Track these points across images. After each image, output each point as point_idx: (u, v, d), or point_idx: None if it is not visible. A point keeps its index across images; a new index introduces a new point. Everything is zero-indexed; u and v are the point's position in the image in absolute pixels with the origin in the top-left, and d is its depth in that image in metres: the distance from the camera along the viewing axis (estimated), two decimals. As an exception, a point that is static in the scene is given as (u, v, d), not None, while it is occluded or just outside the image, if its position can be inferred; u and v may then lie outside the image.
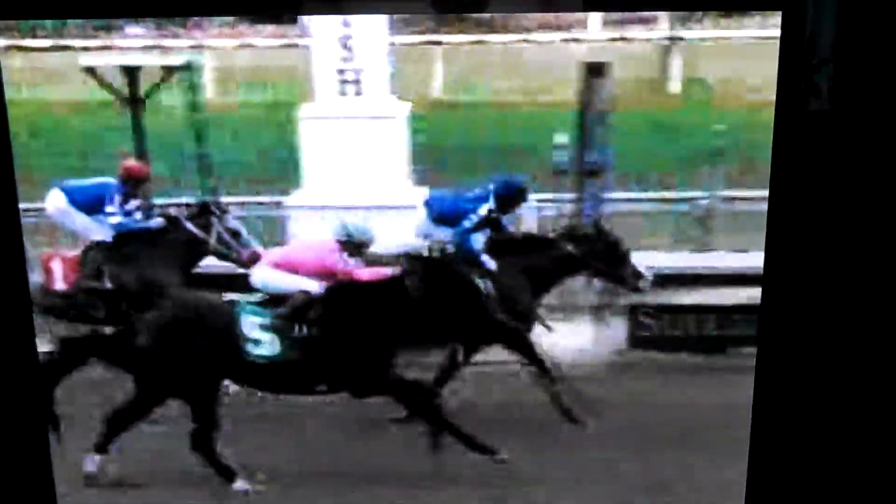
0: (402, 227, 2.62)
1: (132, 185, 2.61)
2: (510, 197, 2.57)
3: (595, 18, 2.39)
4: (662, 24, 2.43)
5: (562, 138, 2.52)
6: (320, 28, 2.50)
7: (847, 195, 2.17)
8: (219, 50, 2.53)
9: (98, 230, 2.65)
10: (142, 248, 2.67)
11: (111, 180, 2.61)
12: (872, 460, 2.33)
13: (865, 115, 2.11)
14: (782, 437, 2.31)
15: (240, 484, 2.50)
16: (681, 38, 2.45)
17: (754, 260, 2.42)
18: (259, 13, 2.40)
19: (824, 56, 2.08)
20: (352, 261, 2.54)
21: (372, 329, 2.55)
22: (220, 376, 2.55)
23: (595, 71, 2.44)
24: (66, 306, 2.63)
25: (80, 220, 2.64)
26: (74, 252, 2.65)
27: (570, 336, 2.69)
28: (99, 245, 2.65)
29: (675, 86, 2.50)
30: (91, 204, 2.63)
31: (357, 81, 2.53)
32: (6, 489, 2.39)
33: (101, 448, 2.52)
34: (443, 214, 2.61)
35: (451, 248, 2.60)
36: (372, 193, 2.60)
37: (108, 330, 2.57)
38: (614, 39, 2.42)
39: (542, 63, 2.47)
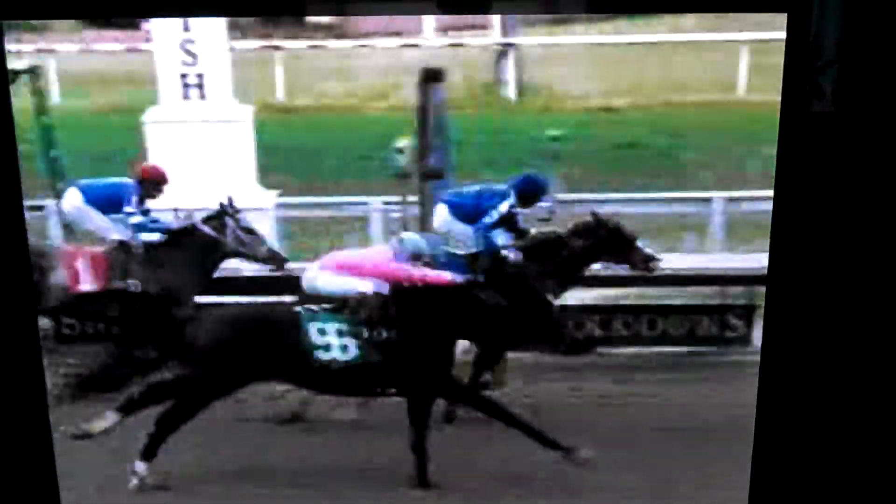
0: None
1: (149, 186, 2.60)
2: (531, 193, 2.58)
3: (430, 24, 2.44)
4: (495, 31, 2.48)
5: (402, 142, 2.55)
6: (163, 33, 2.51)
7: (851, 196, 2.18)
8: (64, 54, 2.53)
9: (115, 230, 2.64)
10: (165, 250, 2.67)
11: (128, 180, 2.60)
12: (876, 463, 2.36)
13: (869, 117, 2.13)
14: (786, 439, 2.33)
15: None
16: (513, 45, 2.51)
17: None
18: (258, 14, 2.39)
19: (829, 58, 2.11)
20: (411, 266, 2.54)
21: (440, 333, 2.56)
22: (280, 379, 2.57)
23: (431, 76, 2.48)
24: (91, 306, 2.64)
25: (96, 219, 2.63)
26: (97, 250, 2.65)
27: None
28: (123, 245, 2.65)
29: (510, 90, 2.55)
30: (107, 203, 2.62)
31: (200, 86, 2.55)
32: (9, 491, 2.41)
33: (148, 455, 2.51)
34: (463, 211, 2.62)
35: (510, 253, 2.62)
36: (220, 195, 2.63)
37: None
38: (451, 45, 2.46)
39: (382, 68, 2.51)
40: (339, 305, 2.54)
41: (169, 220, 2.66)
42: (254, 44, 2.48)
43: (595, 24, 2.42)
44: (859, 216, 2.21)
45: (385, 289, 2.53)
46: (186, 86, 2.55)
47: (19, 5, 2.12)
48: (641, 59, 2.45)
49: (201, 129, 2.58)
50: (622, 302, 2.68)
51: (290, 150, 2.56)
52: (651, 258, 2.58)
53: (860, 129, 2.14)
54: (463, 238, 2.64)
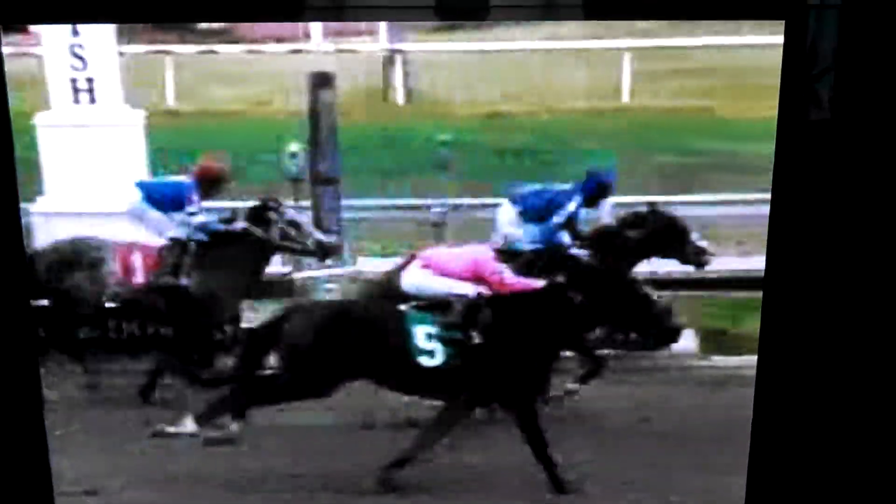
0: (141, 235, 2.67)
1: (207, 184, 2.60)
2: (598, 192, 2.59)
3: (318, 29, 2.46)
4: (382, 37, 2.50)
5: (294, 147, 2.57)
6: (51, 37, 2.51)
7: (848, 204, 2.22)
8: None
9: (173, 228, 2.65)
10: (217, 250, 2.67)
11: (187, 179, 2.60)
12: (875, 468, 2.41)
13: (866, 125, 2.17)
14: (783, 445, 2.39)
15: None
16: (401, 50, 2.54)
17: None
18: (256, 20, 2.42)
19: (825, 66, 2.14)
20: (506, 268, 2.56)
21: (536, 338, 2.59)
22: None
23: (321, 81, 2.50)
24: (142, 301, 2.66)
25: (155, 218, 2.63)
26: (152, 245, 2.67)
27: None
28: (178, 243, 2.66)
29: (398, 96, 2.58)
30: (167, 202, 2.62)
31: (90, 90, 2.55)
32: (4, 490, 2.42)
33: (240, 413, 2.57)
34: (532, 210, 2.62)
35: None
36: (112, 200, 2.63)
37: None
38: (339, 51, 2.48)
39: (272, 73, 2.53)
40: (438, 306, 2.57)
41: (222, 219, 2.68)
42: (143, 48, 2.48)
43: (483, 31, 2.46)
44: (856, 224, 2.25)
45: (483, 290, 2.55)
46: (77, 90, 2.54)
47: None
48: (529, 66, 2.48)
49: (92, 134, 2.57)
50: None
51: (182, 155, 2.56)
52: (703, 251, 2.58)
53: (857, 137, 2.19)
54: (530, 238, 2.65)
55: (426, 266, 2.61)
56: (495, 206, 2.65)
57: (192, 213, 2.64)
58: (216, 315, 2.68)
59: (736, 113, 2.44)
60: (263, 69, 2.51)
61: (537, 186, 2.59)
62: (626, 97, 2.52)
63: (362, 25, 2.48)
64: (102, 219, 2.63)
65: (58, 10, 2.30)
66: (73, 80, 2.53)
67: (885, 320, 2.32)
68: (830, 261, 2.27)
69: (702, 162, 2.57)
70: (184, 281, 2.66)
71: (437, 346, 2.55)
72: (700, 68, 2.51)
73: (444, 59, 2.52)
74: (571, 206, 2.61)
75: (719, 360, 2.67)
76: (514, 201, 2.62)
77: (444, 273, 2.59)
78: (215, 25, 2.50)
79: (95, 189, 2.61)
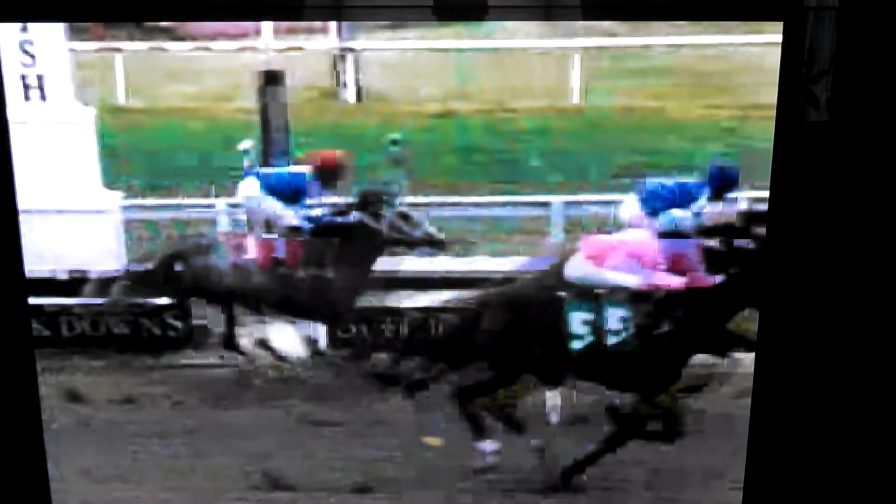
0: (94, 231, 2.65)
1: (326, 175, 2.58)
2: (725, 184, 2.53)
3: (268, 27, 2.46)
4: (332, 35, 2.51)
5: (246, 144, 2.57)
6: (1, 34, 2.50)
7: (845, 206, 2.22)
8: None
9: (292, 219, 2.63)
10: (333, 242, 2.66)
11: (306, 170, 2.59)
12: (873, 469, 2.42)
13: (864, 126, 2.17)
14: (781, 444, 2.41)
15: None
16: (352, 49, 2.54)
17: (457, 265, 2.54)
18: (256, 19, 2.42)
19: (822, 67, 2.14)
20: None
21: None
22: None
23: (272, 79, 2.50)
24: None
25: (273, 208, 2.62)
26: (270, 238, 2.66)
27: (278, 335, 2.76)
28: (296, 233, 2.64)
29: (349, 95, 2.58)
30: (286, 192, 2.61)
31: (40, 87, 2.54)
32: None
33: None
34: (661, 203, 2.57)
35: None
36: (64, 198, 2.62)
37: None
38: (290, 49, 2.48)
39: (222, 71, 2.52)
40: (609, 296, 2.56)
41: (336, 211, 2.65)
42: (93, 45, 2.47)
43: (435, 30, 2.46)
44: (854, 225, 2.26)
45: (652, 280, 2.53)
46: (27, 87, 2.53)
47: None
48: (481, 65, 2.49)
49: (43, 131, 2.56)
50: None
51: (132, 152, 2.56)
52: None
53: (855, 138, 2.19)
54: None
55: (591, 257, 2.59)
56: (452, 204, 2.65)
57: (309, 205, 2.63)
58: (337, 307, 2.67)
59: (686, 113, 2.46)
60: (214, 67, 2.51)
61: (661, 180, 2.54)
62: (576, 97, 2.53)
63: (315, 24, 2.48)
64: (52, 215, 2.62)
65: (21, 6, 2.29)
66: (24, 77, 2.52)
67: (883, 321, 2.33)
68: (828, 263, 2.28)
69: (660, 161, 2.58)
70: (301, 273, 2.66)
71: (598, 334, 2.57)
72: (660, 68, 2.52)
73: (396, 57, 2.52)
74: (702, 200, 2.55)
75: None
76: (641, 195, 2.57)
77: (611, 263, 2.57)
78: (164, 23, 2.50)
79: (45, 186, 2.59)
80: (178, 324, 2.70)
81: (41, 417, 2.53)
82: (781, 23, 2.14)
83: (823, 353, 2.35)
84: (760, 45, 2.24)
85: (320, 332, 2.72)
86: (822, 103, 2.17)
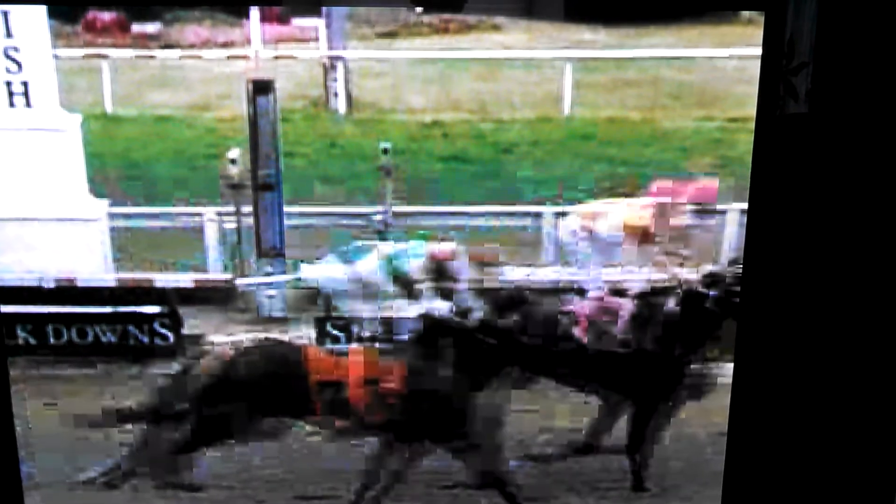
0: (80, 238, 2.63)
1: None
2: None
3: (257, 35, 2.44)
4: (322, 44, 2.50)
5: (234, 153, 2.55)
6: (-16, 39, 2.47)
7: (826, 199, 2.20)
8: None
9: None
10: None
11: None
12: (852, 477, 2.41)
13: (843, 119, 2.14)
14: (759, 452, 2.39)
15: None
16: (341, 58, 2.53)
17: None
18: (234, 4, 2.35)
19: (802, 59, 2.12)
20: None
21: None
22: None
23: (260, 87, 2.48)
24: None
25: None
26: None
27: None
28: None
29: (339, 103, 2.57)
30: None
31: (25, 94, 2.51)
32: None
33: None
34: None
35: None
36: (49, 205, 2.59)
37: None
38: (279, 57, 2.46)
39: (210, 78, 2.51)
40: None
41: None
42: (79, 52, 2.45)
43: (425, 39, 2.46)
44: (834, 218, 2.24)
45: None
46: (11, 94, 2.50)
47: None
48: (469, 74, 2.49)
49: (28, 138, 2.53)
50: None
51: (119, 160, 2.54)
52: None
53: (835, 131, 2.17)
54: None
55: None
56: (440, 213, 2.65)
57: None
58: None
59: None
60: (202, 75, 2.49)
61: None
62: (567, 107, 2.53)
63: (305, 33, 2.47)
64: (38, 224, 2.59)
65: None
66: (9, 84, 2.49)
67: (867, 320, 2.32)
68: (809, 258, 2.27)
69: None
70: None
71: None
72: (642, 79, 2.52)
73: (386, 66, 2.51)
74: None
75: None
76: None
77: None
78: (150, 29, 2.47)
79: (31, 194, 2.56)
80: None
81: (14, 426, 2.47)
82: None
83: (804, 351, 2.34)
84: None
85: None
86: (801, 95, 2.16)
